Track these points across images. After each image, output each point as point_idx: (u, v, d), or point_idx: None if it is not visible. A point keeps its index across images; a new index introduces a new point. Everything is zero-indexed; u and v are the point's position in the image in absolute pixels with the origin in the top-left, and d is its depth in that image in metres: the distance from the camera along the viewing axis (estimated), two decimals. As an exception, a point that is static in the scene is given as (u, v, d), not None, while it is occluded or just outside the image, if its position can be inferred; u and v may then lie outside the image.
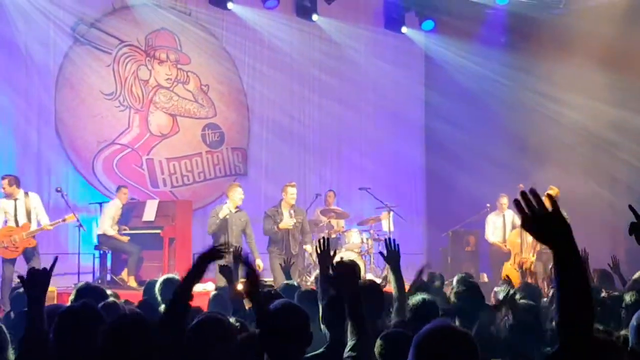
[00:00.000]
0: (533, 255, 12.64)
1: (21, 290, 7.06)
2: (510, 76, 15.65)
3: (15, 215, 10.99)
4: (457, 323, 5.49)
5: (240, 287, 6.74)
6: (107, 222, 12.25)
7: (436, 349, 2.53)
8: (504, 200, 13.66)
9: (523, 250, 12.81)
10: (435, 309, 5.04)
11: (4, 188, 11.06)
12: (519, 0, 15.26)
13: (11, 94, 13.06)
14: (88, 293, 5.34)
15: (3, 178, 11.15)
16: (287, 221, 11.97)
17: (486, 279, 13.30)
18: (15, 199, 11.03)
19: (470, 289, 5.63)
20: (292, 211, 12.12)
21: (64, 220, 11.26)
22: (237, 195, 11.67)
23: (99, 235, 12.33)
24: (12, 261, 10.90)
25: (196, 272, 3.70)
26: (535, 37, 15.28)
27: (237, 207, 11.67)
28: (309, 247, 12.37)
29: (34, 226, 11.04)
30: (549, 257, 11.71)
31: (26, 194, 11.13)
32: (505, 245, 13.27)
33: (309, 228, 12.61)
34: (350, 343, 3.97)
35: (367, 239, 13.68)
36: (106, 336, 3.19)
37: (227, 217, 11.51)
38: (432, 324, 2.65)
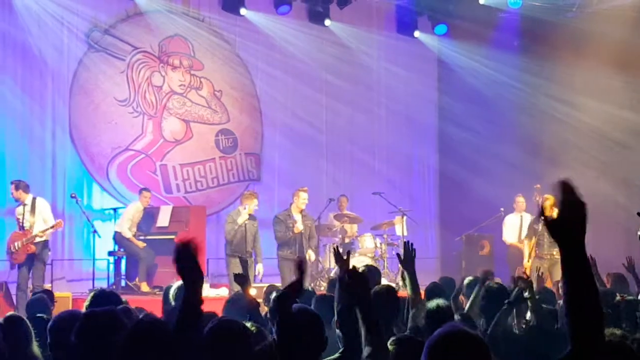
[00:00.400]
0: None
1: (37, 296, 7.12)
2: (523, 80, 15.61)
3: (22, 220, 11.00)
4: (481, 323, 5.49)
5: (253, 292, 6.76)
6: (125, 224, 12.28)
7: (448, 352, 2.53)
8: (521, 200, 13.58)
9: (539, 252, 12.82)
10: (451, 315, 5.02)
11: (12, 193, 11.11)
12: (532, 3, 15.21)
13: (26, 100, 13.16)
14: (103, 299, 5.35)
15: (11, 183, 11.19)
16: (299, 225, 12.00)
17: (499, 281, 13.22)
18: (24, 204, 11.03)
19: (492, 291, 5.63)
20: (302, 215, 12.15)
21: (52, 227, 11.05)
22: (254, 205, 11.77)
23: (115, 232, 12.36)
24: (19, 267, 10.91)
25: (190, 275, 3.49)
26: (548, 41, 15.22)
27: (249, 214, 11.74)
28: (311, 253, 12.35)
29: (35, 232, 10.93)
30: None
31: (34, 199, 11.09)
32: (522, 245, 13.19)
33: (315, 233, 12.63)
34: (366, 350, 3.97)
35: (380, 244, 13.66)
36: (125, 341, 3.21)
37: (245, 223, 11.56)
38: (444, 327, 2.65)
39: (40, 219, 10.95)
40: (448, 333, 2.59)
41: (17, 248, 10.86)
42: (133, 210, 12.45)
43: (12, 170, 12.87)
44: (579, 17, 15.03)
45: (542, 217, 2.29)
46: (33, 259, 10.83)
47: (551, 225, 2.28)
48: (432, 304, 5.09)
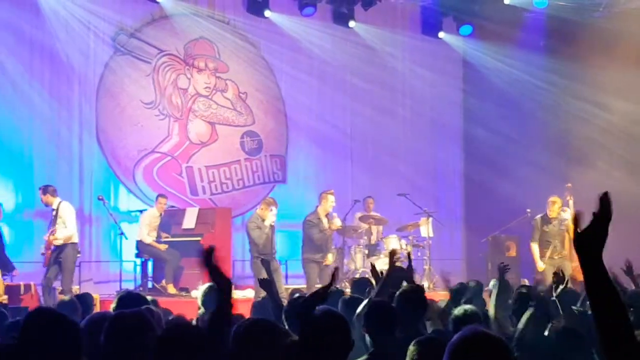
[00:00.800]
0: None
1: (67, 298, 7.18)
2: (549, 80, 15.50)
3: (50, 224, 11.11)
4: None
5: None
6: (143, 230, 12.36)
7: (469, 355, 2.53)
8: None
9: (572, 254, 12.77)
10: (477, 320, 4.99)
11: (40, 199, 11.19)
12: (558, 3, 15.10)
13: (54, 103, 13.28)
14: (129, 301, 5.39)
15: (39, 189, 11.26)
16: (337, 221, 11.96)
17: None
18: (53, 209, 11.09)
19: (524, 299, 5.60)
20: (328, 217, 12.16)
21: (42, 254, 11.12)
22: (275, 209, 11.80)
23: (137, 242, 12.45)
24: (47, 268, 11.01)
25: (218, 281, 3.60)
26: (575, 41, 15.11)
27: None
28: (330, 256, 12.31)
29: (58, 236, 10.96)
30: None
31: (60, 203, 11.11)
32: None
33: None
34: None
35: (406, 245, 13.63)
36: (158, 344, 3.24)
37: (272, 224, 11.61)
38: (465, 330, 2.65)
39: (61, 223, 10.99)
40: (469, 335, 2.59)
41: (43, 251, 11.00)
42: (149, 217, 12.51)
43: (40, 174, 13.01)
44: (606, 16, 14.91)
45: (574, 228, 2.29)
46: (60, 261, 10.90)
47: (580, 237, 2.28)
48: (459, 309, 5.06)
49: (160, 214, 12.65)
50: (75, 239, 11.14)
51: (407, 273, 5.95)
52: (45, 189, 11.11)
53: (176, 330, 3.36)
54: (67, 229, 10.93)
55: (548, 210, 12.47)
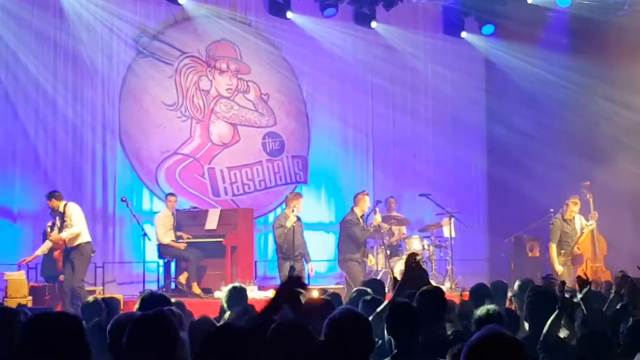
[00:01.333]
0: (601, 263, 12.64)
1: (91, 299, 7.23)
2: (573, 79, 15.39)
3: (58, 227, 11.03)
4: (526, 328, 5.43)
5: (315, 293, 6.78)
6: (160, 232, 12.37)
7: (485, 355, 2.53)
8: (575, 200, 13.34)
9: (596, 255, 12.74)
10: (500, 320, 4.96)
11: (48, 206, 11.08)
12: (581, 2, 15.00)
13: (76, 105, 13.38)
14: (152, 301, 5.40)
15: (45, 196, 11.15)
16: (377, 217, 11.99)
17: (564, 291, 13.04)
18: (60, 212, 10.98)
19: (538, 294, 5.55)
20: (379, 216, 12.17)
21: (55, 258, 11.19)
22: (301, 205, 11.85)
23: (157, 246, 12.49)
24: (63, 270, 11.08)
25: (275, 304, 3.64)
26: (598, 40, 14.98)
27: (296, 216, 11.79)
28: (371, 257, 12.35)
29: (64, 235, 10.91)
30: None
31: (65, 205, 11.00)
32: (578, 249, 13.01)
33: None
34: None
35: (428, 246, 13.60)
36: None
37: (293, 225, 11.60)
38: (483, 331, 2.65)
39: (69, 223, 10.92)
40: (487, 336, 2.60)
41: (55, 256, 11.04)
42: (162, 218, 12.53)
43: (64, 175, 13.13)
44: (630, 15, 14.77)
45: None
46: (72, 261, 10.88)
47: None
48: (482, 309, 5.03)
49: (173, 213, 12.66)
50: (87, 238, 11.04)
51: (423, 275, 5.92)
52: (51, 195, 11.00)
53: (223, 331, 3.40)
54: (73, 227, 10.86)
55: (568, 211, 12.33)
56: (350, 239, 11.86)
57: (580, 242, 12.76)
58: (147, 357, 3.36)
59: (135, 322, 3.49)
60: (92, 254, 11.28)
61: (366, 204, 12.04)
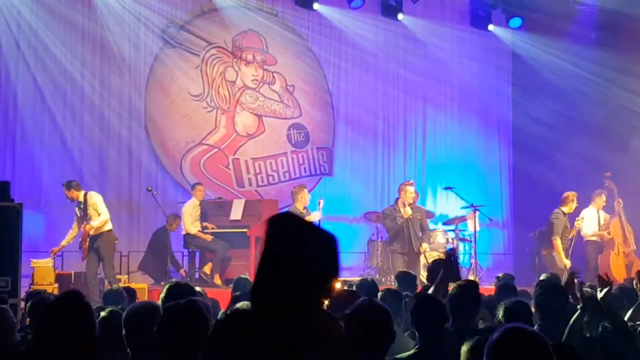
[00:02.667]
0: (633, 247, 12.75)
1: (114, 288, 7.29)
2: (600, 73, 15.25)
3: (79, 217, 11.11)
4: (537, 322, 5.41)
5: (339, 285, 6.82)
6: (187, 221, 12.40)
7: (508, 351, 2.53)
8: (603, 196, 13.27)
9: (627, 239, 12.71)
10: (528, 311, 4.94)
11: (65, 196, 11.14)
12: (610, -5, 14.87)
13: (104, 94, 13.50)
14: (177, 291, 5.44)
15: (62, 185, 11.19)
16: (408, 209, 11.91)
17: (575, 280, 12.96)
18: (80, 202, 11.06)
19: (549, 289, 5.54)
20: (409, 209, 12.07)
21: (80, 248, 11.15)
22: (307, 196, 12.12)
23: (184, 236, 12.54)
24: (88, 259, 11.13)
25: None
26: (627, 33, 14.83)
27: (305, 208, 11.76)
28: (425, 245, 12.25)
29: (93, 223, 10.98)
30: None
31: (86, 194, 11.08)
32: (609, 233, 12.97)
33: (428, 226, 12.58)
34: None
35: (452, 239, 13.56)
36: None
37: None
38: (506, 326, 2.64)
39: (93, 212, 10.94)
40: (510, 331, 2.59)
41: (80, 245, 11.10)
42: (190, 207, 12.55)
43: (90, 163, 13.24)
44: (660, 9, 14.62)
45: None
46: (98, 250, 10.95)
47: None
48: (509, 300, 5.02)
49: (200, 203, 12.69)
50: (110, 226, 11.12)
51: (455, 271, 5.94)
52: (69, 185, 11.03)
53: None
54: (101, 215, 10.92)
55: (568, 205, 12.28)
56: (386, 230, 12.14)
57: (611, 227, 12.91)
58: (180, 343, 3.40)
59: (167, 310, 3.53)
60: (116, 241, 11.36)
61: (407, 194, 11.92)
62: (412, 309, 4.67)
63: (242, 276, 7.88)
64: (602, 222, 13.23)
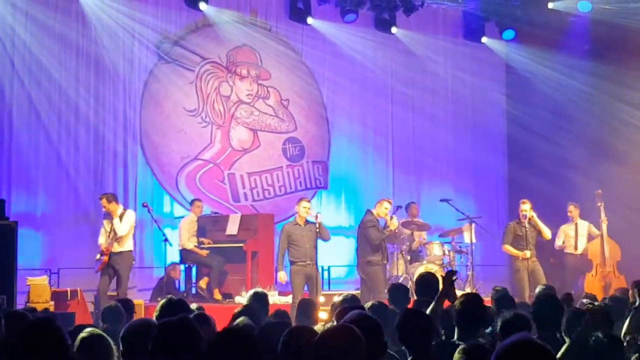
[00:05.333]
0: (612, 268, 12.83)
1: (111, 305, 7.29)
2: (594, 85, 15.30)
3: (108, 230, 11.19)
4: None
5: (322, 299, 6.82)
6: (184, 237, 12.43)
7: None
8: (572, 208, 13.42)
9: (606, 261, 12.78)
10: (527, 323, 4.94)
11: (104, 207, 11.26)
12: (602, 7, 14.92)
13: (99, 109, 13.52)
14: (171, 307, 5.44)
15: (100, 198, 11.36)
16: (394, 222, 11.89)
17: (571, 291, 13.03)
18: (114, 216, 11.15)
19: (544, 301, 5.55)
20: (396, 220, 12.06)
21: (97, 260, 11.30)
22: (303, 209, 11.68)
23: (180, 251, 12.54)
24: (101, 275, 11.14)
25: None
26: (620, 45, 14.89)
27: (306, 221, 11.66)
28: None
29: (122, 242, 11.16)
30: None
31: (126, 210, 11.36)
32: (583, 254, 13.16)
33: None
34: None
35: (449, 251, 13.55)
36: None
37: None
38: (512, 338, 2.64)
39: (120, 230, 11.10)
40: (515, 343, 2.58)
41: (98, 257, 11.11)
42: (187, 223, 12.57)
43: (86, 179, 13.22)
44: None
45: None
46: (117, 269, 11.03)
47: None
48: (508, 313, 5.02)
49: (198, 218, 12.70)
50: (131, 246, 11.28)
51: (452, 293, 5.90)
52: (109, 197, 11.25)
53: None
54: (127, 236, 11.09)
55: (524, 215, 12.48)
56: (366, 240, 11.82)
57: (589, 249, 13.14)
58: None
59: (161, 327, 3.53)
60: (133, 262, 11.43)
61: (382, 209, 11.95)
62: (399, 324, 4.65)
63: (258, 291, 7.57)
64: (580, 235, 13.33)
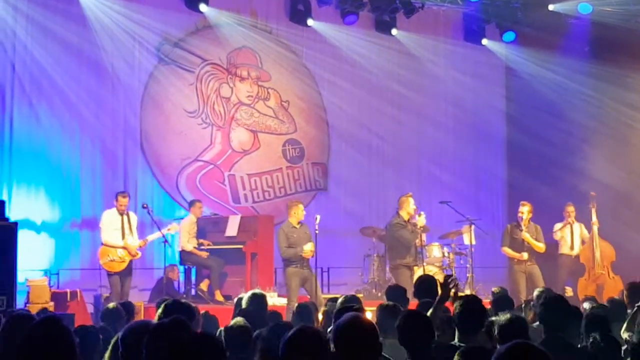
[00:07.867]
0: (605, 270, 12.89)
1: (111, 306, 7.30)
2: (594, 87, 15.32)
3: (123, 230, 11.35)
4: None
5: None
6: (184, 238, 12.44)
7: None
8: (570, 209, 13.41)
9: (596, 265, 12.80)
10: (524, 327, 4.94)
11: (122, 204, 11.43)
12: (602, 9, 14.94)
13: (98, 112, 13.50)
14: (173, 309, 5.43)
15: (124, 195, 11.57)
16: (422, 218, 11.76)
17: (571, 293, 13.05)
18: (125, 214, 11.47)
19: (551, 304, 5.55)
20: (423, 218, 11.91)
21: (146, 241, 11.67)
22: (299, 211, 11.61)
23: (180, 252, 12.56)
24: (119, 274, 11.26)
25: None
26: (620, 47, 14.90)
27: (299, 223, 11.58)
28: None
29: (133, 242, 11.44)
30: None
31: (127, 212, 11.57)
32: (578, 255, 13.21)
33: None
34: None
35: (448, 253, 13.56)
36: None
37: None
38: (511, 342, 2.65)
39: (134, 230, 11.51)
40: (514, 347, 2.59)
41: (121, 256, 11.28)
42: (187, 224, 12.58)
43: (86, 181, 13.23)
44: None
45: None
46: (129, 271, 11.34)
47: None
48: (505, 317, 5.02)
49: (197, 219, 12.72)
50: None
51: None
52: (125, 194, 11.63)
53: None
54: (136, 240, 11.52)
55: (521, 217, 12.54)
56: (399, 242, 11.70)
57: (581, 253, 13.21)
58: None
59: (153, 330, 3.53)
60: None
61: (410, 205, 11.87)
62: (400, 325, 4.67)
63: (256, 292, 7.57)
64: (576, 236, 13.34)
